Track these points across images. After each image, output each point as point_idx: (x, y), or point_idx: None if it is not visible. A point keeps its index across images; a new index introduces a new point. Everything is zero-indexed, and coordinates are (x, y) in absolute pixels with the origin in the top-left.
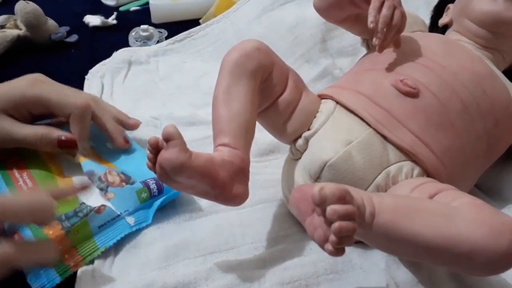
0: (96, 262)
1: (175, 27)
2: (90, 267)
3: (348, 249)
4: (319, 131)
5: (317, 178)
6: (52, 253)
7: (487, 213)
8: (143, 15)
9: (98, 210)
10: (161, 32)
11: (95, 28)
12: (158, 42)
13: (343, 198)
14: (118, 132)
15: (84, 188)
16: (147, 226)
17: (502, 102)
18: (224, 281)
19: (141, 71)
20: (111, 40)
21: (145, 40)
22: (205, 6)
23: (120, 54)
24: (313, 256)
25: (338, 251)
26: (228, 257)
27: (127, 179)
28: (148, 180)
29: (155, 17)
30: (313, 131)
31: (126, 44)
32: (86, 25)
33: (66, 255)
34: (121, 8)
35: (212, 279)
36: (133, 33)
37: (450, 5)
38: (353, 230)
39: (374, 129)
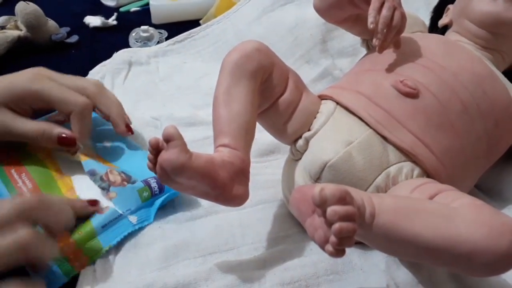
0: (97, 262)
1: (176, 27)
2: (91, 267)
3: (348, 250)
4: (319, 132)
5: (317, 179)
6: (55, 249)
7: (487, 214)
8: (143, 16)
9: (100, 210)
10: (161, 33)
11: (96, 28)
12: (158, 42)
13: (344, 199)
14: (120, 118)
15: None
16: (147, 226)
17: (502, 103)
18: (224, 281)
19: (141, 72)
20: (111, 40)
21: (146, 41)
22: (205, 7)
23: (120, 55)
24: (314, 256)
25: (338, 252)
26: (228, 257)
27: (128, 179)
28: (149, 179)
29: (155, 18)
30: (313, 131)
31: (127, 45)
32: (86, 26)
33: (71, 255)
34: (121, 9)
35: (212, 279)
36: (133, 34)
37: (450, 6)
38: (353, 231)
39: (374, 129)
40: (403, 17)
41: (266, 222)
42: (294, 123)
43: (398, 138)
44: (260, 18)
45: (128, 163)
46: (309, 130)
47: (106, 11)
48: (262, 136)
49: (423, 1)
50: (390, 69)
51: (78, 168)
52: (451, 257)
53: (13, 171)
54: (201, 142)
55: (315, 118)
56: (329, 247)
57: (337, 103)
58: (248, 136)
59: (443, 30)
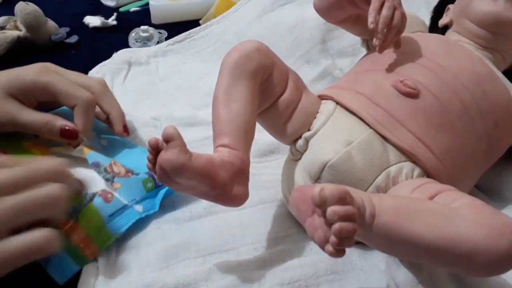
0: (100, 261)
1: (175, 27)
2: (92, 267)
3: (348, 250)
4: (319, 132)
5: (317, 179)
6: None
7: (488, 214)
8: (143, 16)
9: (106, 199)
10: (161, 33)
11: (95, 29)
12: (158, 42)
13: (343, 199)
14: (119, 119)
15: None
16: (147, 226)
17: (502, 103)
18: (224, 281)
19: (141, 72)
20: (111, 41)
21: (145, 41)
22: (205, 7)
23: (120, 55)
24: (313, 256)
25: (338, 252)
26: (228, 257)
27: (131, 170)
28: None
29: (155, 18)
30: (313, 131)
31: (126, 45)
32: (86, 26)
33: (82, 244)
34: (121, 9)
35: (212, 279)
36: (133, 34)
37: (450, 6)
38: (353, 231)
39: (374, 129)
40: (403, 17)
41: (265, 222)
42: (294, 123)
43: (398, 138)
44: (260, 18)
45: (126, 159)
46: (309, 130)
47: (105, 11)
48: (262, 136)
49: (423, 0)
50: (390, 69)
51: (74, 163)
52: (451, 257)
53: None
54: (201, 142)
55: (315, 118)
56: (329, 247)
57: (337, 103)
58: (248, 136)
59: (443, 30)
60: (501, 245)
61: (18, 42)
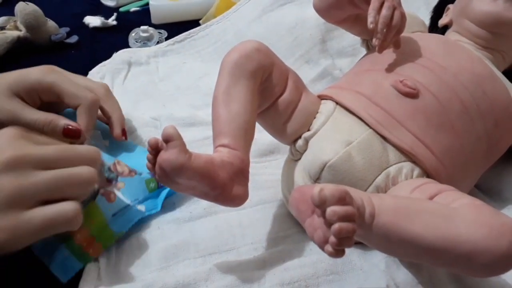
0: (100, 261)
1: (175, 27)
2: (95, 264)
3: (348, 250)
4: (319, 132)
5: (317, 179)
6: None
7: (487, 214)
8: (143, 16)
9: (109, 198)
10: (161, 33)
11: (95, 29)
12: (158, 43)
13: (343, 199)
14: (119, 122)
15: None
16: (147, 226)
17: (502, 103)
18: (223, 282)
19: (141, 72)
20: (111, 41)
21: (145, 41)
22: (205, 7)
23: (120, 55)
24: (313, 257)
25: (338, 252)
26: (228, 258)
27: (134, 170)
28: None
29: (155, 18)
30: (313, 131)
31: (126, 45)
32: (86, 26)
33: (85, 243)
34: (121, 9)
35: (211, 280)
36: (133, 34)
37: (450, 6)
38: (353, 231)
39: (374, 129)
40: (402, 16)
41: (265, 222)
42: (294, 123)
43: (398, 138)
44: (260, 18)
45: (129, 160)
46: (308, 130)
47: (105, 11)
48: (262, 136)
49: (423, 0)
50: (390, 69)
51: None
52: (451, 258)
53: None
54: (201, 143)
55: (314, 118)
56: (328, 247)
57: (337, 103)
58: (247, 136)
59: (443, 30)
60: (501, 245)
61: (18, 42)
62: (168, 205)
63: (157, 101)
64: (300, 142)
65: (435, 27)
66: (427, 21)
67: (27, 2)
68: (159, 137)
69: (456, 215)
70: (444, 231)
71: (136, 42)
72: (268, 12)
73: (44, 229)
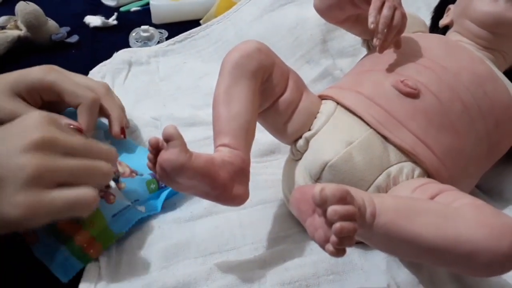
0: (101, 260)
1: (176, 27)
2: (93, 266)
3: (348, 250)
4: (319, 132)
5: (317, 179)
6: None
7: (488, 214)
8: (143, 16)
9: (108, 200)
10: (161, 33)
11: (96, 28)
12: (158, 42)
13: (344, 199)
14: (118, 121)
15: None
16: (148, 226)
17: (503, 103)
18: (224, 281)
19: (141, 72)
20: (111, 40)
21: (146, 41)
22: (205, 7)
23: (120, 55)
24: (314, 256)
25: (339, 251)
26: (229, 257)
27: (135, 171)
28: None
29: (155, 18)
30: (314, 131)
31: (127, 45)
32: (86, 26)
33: (85, 244)
34: (121, 9)
35: (212, 279)
36: (133, 34)
37: (451, 6)
38: (354, 230)
39: (374, 129)
40: (403, 16)
41: (266, 222)
42: (294, 123)
43: (399, 138)
44: (261, 18)
45: (130, 160)
46: (309, 130)
47: (106, 11)
48: (262, 136)
49: (423, 1)
50: (391, 69)
51: None
52: (451, 257)
53: None
54: (202, 142)
55: (315, 118)
56: (329, 246)
57: (338, 103)
58: (248, 135)
59: (444, 30)
60: (501, 245)
61: (19, 42)
62: (169, 205)
63: (157, 101)
64: (300, 142)
65: (436, 28)
66: (427, 22)
67: (27, 2)
68: (160, 136)
69: (457, 215)
70: (445, 231)
71: (137, 42)
72: (268, 12)
73: (63, 210)
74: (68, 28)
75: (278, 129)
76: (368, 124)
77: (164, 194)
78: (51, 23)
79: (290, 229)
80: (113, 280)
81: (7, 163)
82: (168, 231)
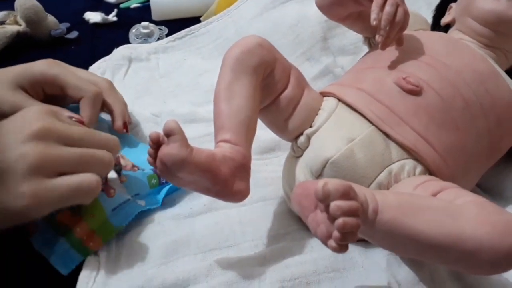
0: (101, 255)
1: (176, 24)
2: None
3: (349, 247)
4: (321, 129)
5: (318, 176)
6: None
7: (491, 212)
8: (143, 12)
9: (109, 194)
10: (161, 29)
11: (96, 24)
12: (158, 39)
13: (347, 194)
14: (121, 115)
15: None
16: (148, 222)
17: (504, 101)
18: (224, 278)
19: (141, 68)
20: (111, 37)
21: (146, 37)
22: (206, 4)
23: (120, 51)
24: (314, 254)
25: (341, 247)
26: (228, 254)
27: (137, 166)
28: None
29: (155, 14)
30: (315, 128)
31: (127, 41)
32: (86, 22)
33: (85, 237)
34: (121, 5)
35: (212, 276)
36: (133, 30)
37: (453, 4)
38: (357, 226)
39: (376, 126)
40: (406, 14)
41: (266, 219)
42: (296, 120)
43: (400, 135)
44: (261, 15)
45: (131, 155)
46: (310, 126)
47: (106, 7)
48: (263, 134)
49: (424, 0)
50: (393, 66)
51: None
52: (454, 255)
53: None
54: (202, 139)
55: (316, 114)
56: (332, 242)
57: (339, 99)
58: (249, 131)
59: (445, 29)
60: (504, 243)
61: (18, 37)
62: (169, 201)
63: (157, 97)
64: (302, 138)
65: (437, 26)
66: (428, 21)
67: None
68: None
69: (460, 212)
70: (447, 228)
71: (137, 38)
72: (269, 9)
73: (67, 197)
74: (67, 24)
75: (279, 126)
76: (369, 121)
77: (165, 190)
78: (51, 19)
79: (290, 227)
80: (113, 275)
81: (9, 155)
82: (168, 227)
